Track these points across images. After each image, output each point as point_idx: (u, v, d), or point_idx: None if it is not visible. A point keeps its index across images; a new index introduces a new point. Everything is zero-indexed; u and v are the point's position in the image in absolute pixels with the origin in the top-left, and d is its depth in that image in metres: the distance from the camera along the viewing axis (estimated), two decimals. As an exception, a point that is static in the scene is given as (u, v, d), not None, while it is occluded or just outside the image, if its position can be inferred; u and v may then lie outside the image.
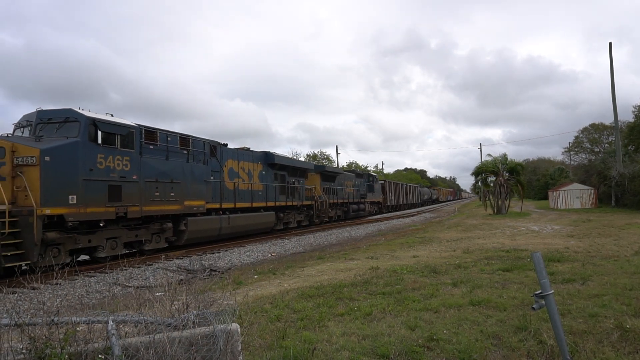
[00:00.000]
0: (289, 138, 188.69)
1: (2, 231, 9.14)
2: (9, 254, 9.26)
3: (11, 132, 11.78)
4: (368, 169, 74.68)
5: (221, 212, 16.30)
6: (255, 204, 18.56)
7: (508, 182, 31.05)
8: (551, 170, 62.20)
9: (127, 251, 12.94)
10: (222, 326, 3.22)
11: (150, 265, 11.97)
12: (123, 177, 11.84)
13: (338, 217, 29.31)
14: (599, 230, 15.85)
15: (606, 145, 59.01)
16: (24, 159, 9.89)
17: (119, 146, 11.76)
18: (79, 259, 11.84)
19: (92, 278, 10.37)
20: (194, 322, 3.27)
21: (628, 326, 4.53)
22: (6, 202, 9.44)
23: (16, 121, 12.03)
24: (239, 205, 17.37)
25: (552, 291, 3.44)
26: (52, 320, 2.92)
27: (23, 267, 9.89)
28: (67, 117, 11.08)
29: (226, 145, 17.39)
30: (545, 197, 44.58)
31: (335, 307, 6.00)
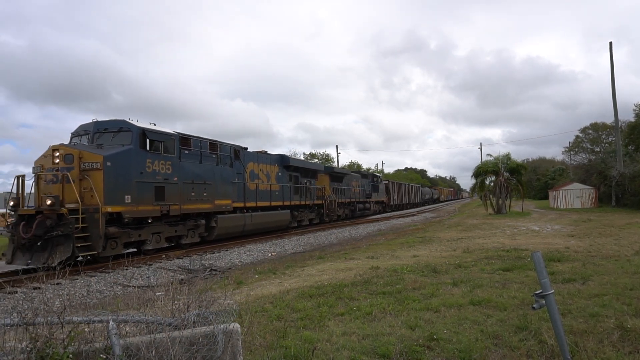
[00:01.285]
0: (290, 138, 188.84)
1: (76, 226, 10.56)
2: (79, 245, 10.70)
3: (67, 139, 13.16)
4: (369, 169, 74.71)
5: (245, 211, 17.76)
6: (273, 203, 19.99)
7: (508, 182, 31.03)
8: (551, 170, 62.16)
9: (168, 245, 14.31)
10: (222, 326, 3.22)
11: (151, 265, 11.98)
12: (166, 179, 13.32)
13: (346, 216, 30.56)
14: (600, 230, 15.84)
15: (606, 144, 58.98)
16: (90, 164, 11.34)
17: (162, 152, 13.26)
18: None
19: (93, 278, 10.38)
20: (194, 322, 3.27)
21: (629, 326, 4.53)
22: (79, 201, 10.82)
23: (73, 129, 13.43)
24: (259, 204, 18.80)
25: (553, 291, 3.45)
26: (55, 319, 2.93)
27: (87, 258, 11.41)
28: (121, 127, 12.54)
29: (246, 149, 18.62)
30: (546, 197, 44.54)
31: (336, 306, 6.00)
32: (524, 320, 4.88)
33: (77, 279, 10.11)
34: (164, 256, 13.11)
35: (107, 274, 10.75)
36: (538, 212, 30.74)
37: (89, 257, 11.32)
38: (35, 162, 11.82)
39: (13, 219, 11.35)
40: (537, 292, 3.45)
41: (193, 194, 14.38)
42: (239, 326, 3.39)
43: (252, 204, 18.19)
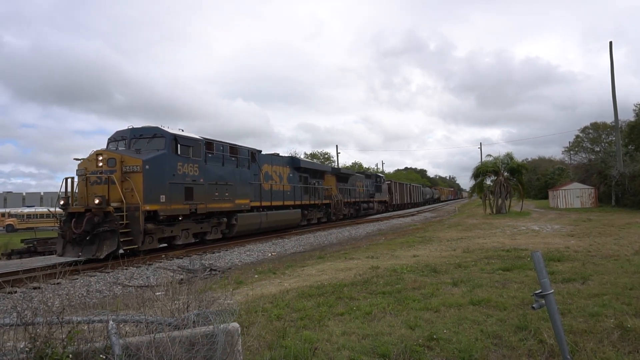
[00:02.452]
0: (291, 138, 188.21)
1: (120, 222, 11.82)
2: (123, 240, 11.91)
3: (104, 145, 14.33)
4: (368, 168, 74.75)
5: (261, 209, 18.95)
6: (286, 203, 21.23)
7: (508, 181, 31.03)
8: (551, 170, 62.18)
9: (194, 240, 15.53)
10: (222, 326, 3.22)
11: (151, 264, 11.98)
12: (194, 181, 14.45)
13: (351, 215, 31.64)
14: (599, 230, 15.84)
15: (606, 144, 58.98)
16: (130, 167, 12.55)
17: (191, 155, 14.37)
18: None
19: (93, 277, 10.38)
20: (194, 322, 3.27)
21: (628, 325, 4.53)
22: (124, 200, 12.02)
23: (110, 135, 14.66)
24: (274, 203, 20.00)
25: (552, 290, 3.44)
26: (54, 319, 2.92)
27: (123, 252, 12.30)
28: (155, 134, 13.71)
29: (261, 151, 19.68)
30: (545, 197, 44.53)
31: (336, 306, 6.00)
32: (524, 320, 4.88)
33: (77, 279, 10.11)
34: (163, 256, 13.14)
35: (106, 274, 10.75)
36: (538, 212, 30.74)
37: (128, 251, 12.36)
38: (79, 165, 13.07)
39: (63, 216, 12.66)
40: (536, 291, 3.45)
41: (217, 193, 15.55)
42: (238, 326, 3.39)
43: (267, 203, 19.36)
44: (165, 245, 14.64)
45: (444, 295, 6.41)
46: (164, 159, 13.29)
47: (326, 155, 71.17)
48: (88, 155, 13.08)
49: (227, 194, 16.11)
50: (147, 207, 12.57)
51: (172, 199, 13.42)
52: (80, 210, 11.99)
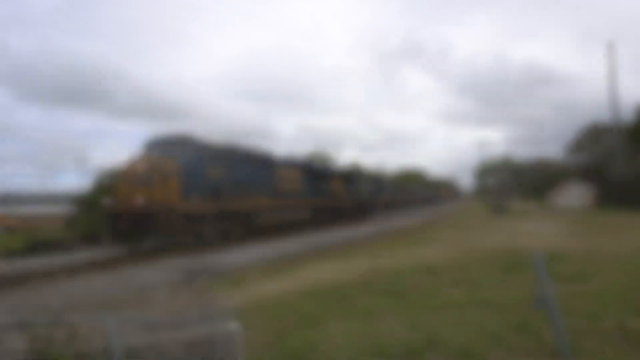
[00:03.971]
0: (291, 138, 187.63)
1: (162, 218, 12.95)
2: (163, 235, 13.25)
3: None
4: (367, 169, 74.71)
5: (276, 208, 20.27)
6: (298, 202, 22.58)
7: (508, 182, 31.04)
8: (552, 170, 62.14)
9: (220, 236, 16.54)
10: (222, 326, 3.22)
11: (151, 265, 11.96)
12: (221, 182, 15.73)
13: (356, 214, 32.66)
14: (599, 230, 15.84)
15: (606, 145, 58.92)
16: (168, 170, 13.72)
17: (218, 160, 15.75)
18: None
19: (93, 278, 10.36)
20: (194, 322, 3.27)
21: (629, 325, 4.53)
22: (163, 199, 13.23)
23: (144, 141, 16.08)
24: (287, 203, 21.36)
25: (553, 291, 3.44)
26: (54, 320, 2.93)
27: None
28: (187, 140, 15.13)
29: (275, 155, 21.29)
30: (546, 197, 44.54)
31: (336, 306, 6.00)
32: (524, 320, 4.87)
33: (77, 279, 10.09)
34: (164, 256, 13.15)
35: (106, 274, 10.73)
36: (538, 212, 30.73)
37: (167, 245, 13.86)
38: (121, 168, 14.55)
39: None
40: (537, 291, 3.45)
41: (239, 194, 16.88)
42: (238, 326, 3.39)
43: (282, 203, 20.71)
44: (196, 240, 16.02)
45: (444, 295, 6.40)
46: (197, 163, 14.62)
47: (328, 157, 71.10)
48: (128, 159, 14.57)
49: (248, 194, 17.55)
50: (183, 207, 13.81)
51: (203, 198, 14.77)
52: (126, 209, 13.40)
